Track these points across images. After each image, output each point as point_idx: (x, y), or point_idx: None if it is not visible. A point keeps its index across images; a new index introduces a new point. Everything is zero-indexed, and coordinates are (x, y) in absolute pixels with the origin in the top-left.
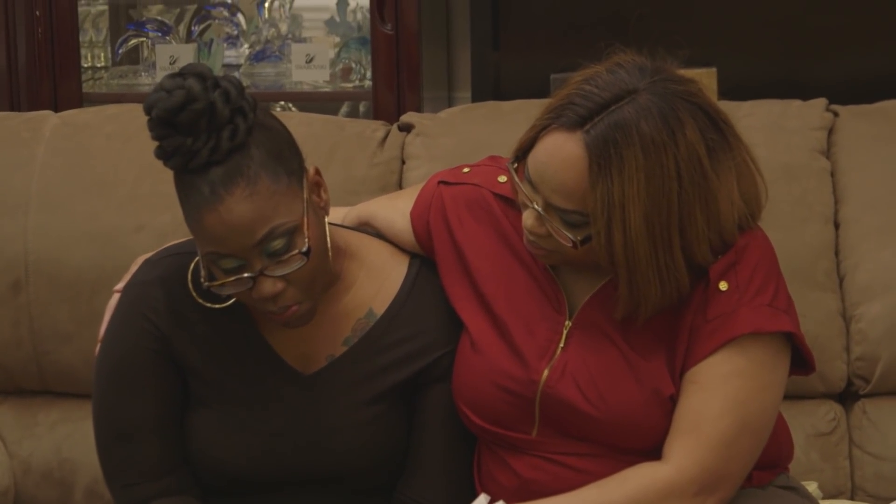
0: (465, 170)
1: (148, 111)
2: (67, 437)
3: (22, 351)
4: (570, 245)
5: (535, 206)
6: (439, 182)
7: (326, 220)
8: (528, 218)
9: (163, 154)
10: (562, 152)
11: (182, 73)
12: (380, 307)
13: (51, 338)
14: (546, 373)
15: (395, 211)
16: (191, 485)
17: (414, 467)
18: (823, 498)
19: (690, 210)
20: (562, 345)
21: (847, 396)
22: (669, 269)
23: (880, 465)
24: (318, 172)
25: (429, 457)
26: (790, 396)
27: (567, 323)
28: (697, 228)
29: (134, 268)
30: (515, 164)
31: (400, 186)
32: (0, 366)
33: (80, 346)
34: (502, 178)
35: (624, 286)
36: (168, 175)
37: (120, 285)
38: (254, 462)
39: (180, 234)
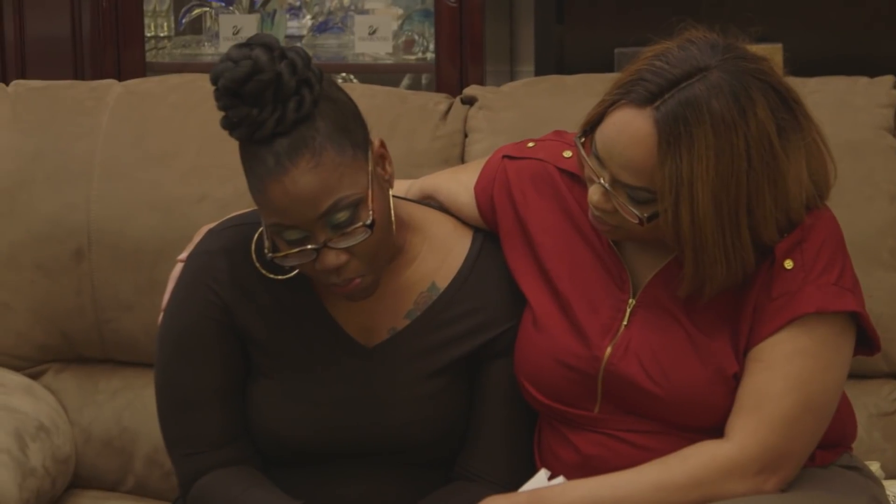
0: (530, 144)
1: (214, 81)
2: (128, 406)
3: (84, 319)
4: (636, 222)
5: (602, 182)
6: (504, 156)
7: (390, 192)
8: (594, 193)
9: (228, 124)
10: (631, 128)
11: (249, 44)
12: (443, 281)
13: (112, 306)
14: (609, 350)
15: (459, 184)
16: (251, 455)
17: (474, 441)
18: (886, 478)
19: (759, 190)
20: (625, 323)
21: None
22: (736, 248)
23: None
24: (382, 145)
25: (489, 431)
26: (853, 376)
27: (631, 301)
28: (765, 208)
29: (197, 238)
30: (583, 139)
31: (462, 159)
32: (62, 333)
33: (141, 315)
34: (567, 154)
35: (689, 265)
36: (231, 146)
37: (183, 255)
38: (314, 433)
39: (242, 205)
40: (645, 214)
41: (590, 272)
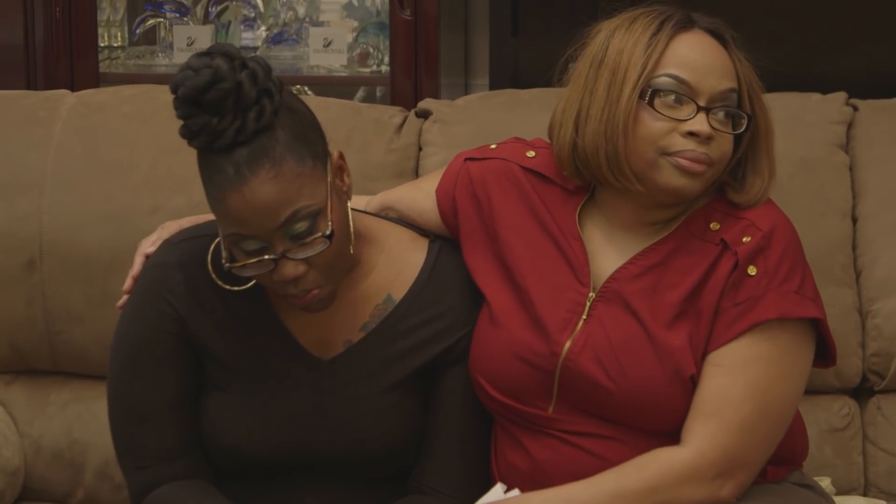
0: (492, 146)
1: (174, 90)
2: (79, 418)
3: (35, 331)
4: (740, 130)
5: (700, 103)
6: (466, 159)
7: (349, 204)
8: (698, 123)
9: (188, 133)
10: (704, 43)
11: (210, 53)
12: (398, 293)
13: (63, 318)
14: (568, 345)
15: (420, 191)
16: (204, 468)
17: (429, 454)
18: (836, 493)
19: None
20: (584, 317)
21: (861, 392)
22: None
23: (894, 462)
24: (341, 156)
25: (444, 443)
26: (804, 391)
27: (591, 294)
28: None
29: (160, 231)
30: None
31: (417, 173)
32: (12, 345)
33: (92, 326)
34: (531, 153)
35: (764, 157)
36: (184, 157)
37: (149, 248)
38: (268, 447)
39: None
40: (741, 128)
41: (552, 267)
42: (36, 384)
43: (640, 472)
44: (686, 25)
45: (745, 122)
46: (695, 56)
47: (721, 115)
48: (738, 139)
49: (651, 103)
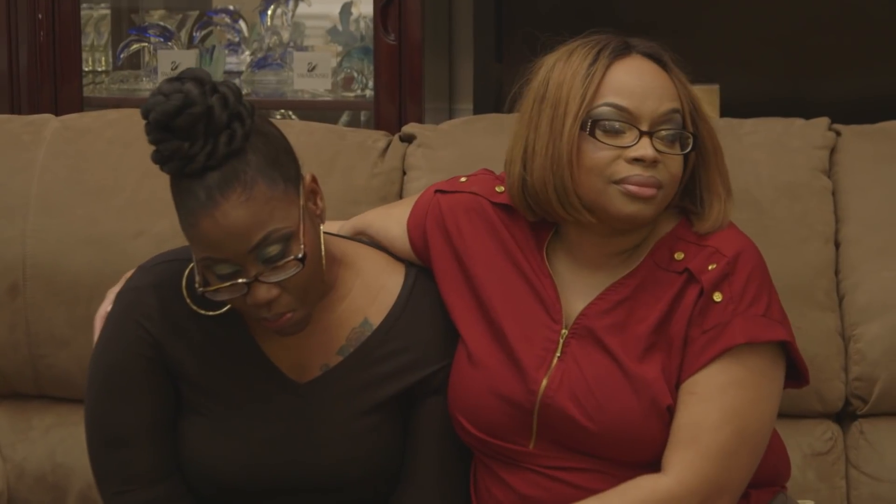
0: (462, 179)
1: (145, 115)
2: (62, 442)
3: (18, 354)
4: (687, 150)
5: (643, 129)
6: (436, 191)
7: (322, 228)
8: (644, 147)
9: (159, 158)
10: (642, 67)
11: (180, 78)
12: (376, 317)
13: (47, 342)
14: (544, 383)
15: (391, 219)
16: (183, 492)
17: (408, 480)
18: None
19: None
20: (558, 354)
21: (844, 416)
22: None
23: (877, 486)
24: (314, 180)
25: (423, 470)
26: (787, 415)
27: (563, 331)
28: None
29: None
30: (586, 130)
31: (400, 197)
32: None
33: (76, 350)
34: (500, 189)
35: (717, 178)
36: (168, 181)
37: (115, 289)
38: (246, 470)
39: (179, 241)
40: (688, 147)
41: (524, 303)
42: (19, 408)
43: (623, 500)
44: (623, 52)
45: (690, 141)
46: (632, 82)
47: (665, 136)
48: (687, 160)
49: (592, 134)
